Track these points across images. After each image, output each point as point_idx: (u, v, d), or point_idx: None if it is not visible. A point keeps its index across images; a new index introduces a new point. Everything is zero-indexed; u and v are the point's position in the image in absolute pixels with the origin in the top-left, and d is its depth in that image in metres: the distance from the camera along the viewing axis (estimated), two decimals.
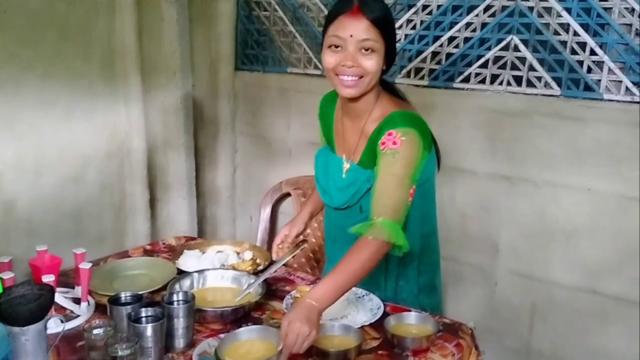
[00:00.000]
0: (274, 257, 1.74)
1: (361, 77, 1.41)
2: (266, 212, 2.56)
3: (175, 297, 1.40)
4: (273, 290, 1.67)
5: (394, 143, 1.40)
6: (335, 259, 1.71)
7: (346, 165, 1.58)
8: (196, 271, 1.65)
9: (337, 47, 1.40)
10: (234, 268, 1.75)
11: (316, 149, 2.45)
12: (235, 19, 2.66)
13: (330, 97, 1.71)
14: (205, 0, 2.57)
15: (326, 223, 1.80)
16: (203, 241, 2.03)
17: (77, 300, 1.46)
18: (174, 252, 1.89)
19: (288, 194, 2.56)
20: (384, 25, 1.40)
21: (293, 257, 1.68)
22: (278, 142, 2.65)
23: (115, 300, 1.35)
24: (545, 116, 1.97)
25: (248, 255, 1.90)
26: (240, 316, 1.46)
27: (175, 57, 2.39)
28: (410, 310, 1.50)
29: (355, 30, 1.38)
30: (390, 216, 1.36)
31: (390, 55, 1.45)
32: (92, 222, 2.25)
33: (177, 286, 1.54)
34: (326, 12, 2.39)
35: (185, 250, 1.88)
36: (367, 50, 1.39)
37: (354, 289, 1.55)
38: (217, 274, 1.66)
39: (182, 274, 1.67)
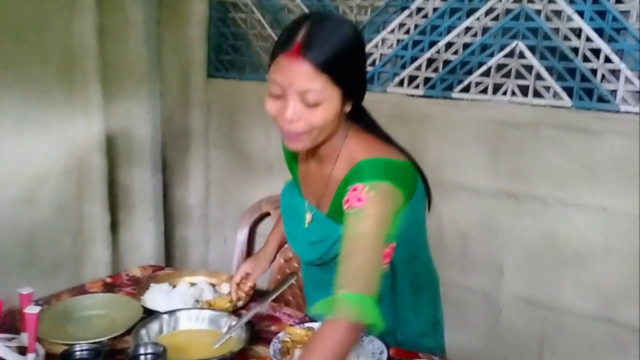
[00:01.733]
0: (234, 297, 1.52)
1: (306, 131, 1.16)
2: (243, 234, 2.33)
3: (142, 350, 1.18)
4: (257, 331, 1.45)
5: (359, 200, 1.15)
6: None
7: (308, 215, 1.35)
8: (166, 312, 1.42)
9: (276, 95, 1.15)
10: (210, 306, 1.53)
11: None
12: (208, 21, 2.45)
13: None
14: (176, 1, 2.34)
15: (302, 267, 1.56)
16: (173, 271, 1.81)
17: (23, 350, 1.23)
18: (139, 286, 1.67)
19: (268, 214, 2.34)
20: (336, 66, 1.11)
21: (280, 293, 1.47)
22: (257, 155, 2.44)
23: (68, 356, 1.13)
24: (555, 129, 1.81)
25: (226, 288, 1.69)
26: None
27: (141, 62, 2.17)
28: (417, 356, 1.30)
29: (294, 77, 1.10)
30: (357, 288, 1.09)
31: (355, 91, 1.20)
32: (47, 249, 2.00)
33: (143, 332, 1.33)
34: None
35: (152, 284, 1.65)
36: (310, 104, 1.12)
37: None
38: (191, 314, 1.44)
39: (149, 314, 1.45)
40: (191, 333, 1.39)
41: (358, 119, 1.29)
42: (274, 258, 1.59)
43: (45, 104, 1.91)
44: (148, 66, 2.18)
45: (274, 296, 1.46)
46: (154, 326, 1.37)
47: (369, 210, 1.15)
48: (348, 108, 1.20)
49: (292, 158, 1.44)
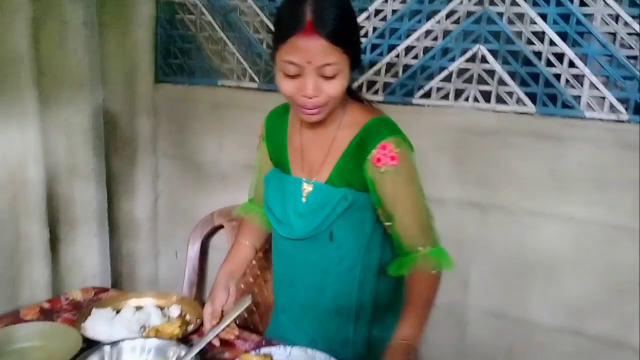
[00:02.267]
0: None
1: (325, 103, 1.24)
2: (195, 249, 2.21)
3: None
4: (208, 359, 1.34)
5: (392, 159, 1.28)
6: (293, 304, 1.49)
7: (307, 188, 1.38)
8: (108, 343, 1.29)
9: (292, 75, 1.20)
10: (157, 332, 1.41)
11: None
12: (154, 23, 2.31)
13: (278, 112, 1.51)
14: (120, 2, 2.19)
15: (277, 263, 1.53)
16: (117, 294, 1.68)
17: None
18: (80, 312, 1.54)
19: (221, 226, 2.22)
20: (346, 36, 1.19)
21: (236, 320, 1.36)
22: (209, 165, 2.31)
23: None
24: (520, 136, 1.75)
25: (175, 311, 1.57)
26: None
27: (82, 66, 2.00)
28: None
29: (312, 54, 1.16)
30: (431, 242, 1.34)
31: (357, 61, 1.26)
32: None
33: None
34: (262, 16, 2.10)
35: (94, 309, 1.52)
36: (329, 77, 1.20)
37: (311, 353, 1.33)
38: (136, 344, 1.32)
39: (90, 344, 1.32)
40: None
41: (349, 91, 1.37)
42: (231, 285, 1.49)
43: None
44: (89, 71, 2.01)
45: (228, 322, 1.35)
46: (94, 359, 1.24)
47: (405, 167, 1.29)
48: (350, 73, 1.26)
49: (278, 142, 1.46)
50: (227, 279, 1.49)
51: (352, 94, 1.41)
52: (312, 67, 1.18)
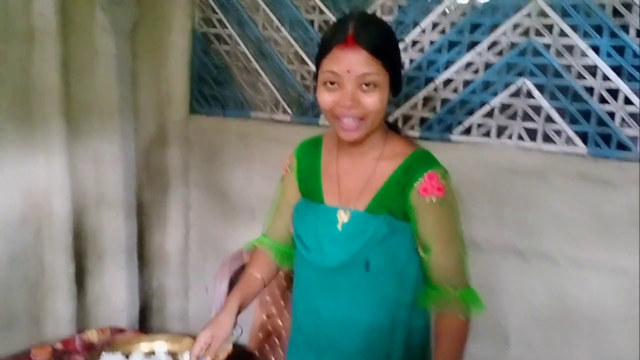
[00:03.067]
0: None
1: (363, 118, 1.24)
2: (222, 288, 2.11)
3: None
4: None
5: (439, 189, 1.26)
6: (319, 335, 1.44)
7: (343, 217, 1.34)
8: None
9: (332, 84, 1.23)
10: None
11: None
12: (190, 53, 2.26)
13: (310, 142, 1.49)
14: (154, 31, 2.17)
15: (301, 293, 1.46)
16: (131, 337, 1.61)
17: None
18: (91, 354, 1.46)
19: None
20: (386, 53, 1.22)
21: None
22: (239, 198, 2.23)
23: None
24: (567, 178, 1.59)
25: (187, 357, 1.47)
26: None
27: (112, 97, 1.98)
28: None
29: (352, 64, 1.20)
30: (463, 282, 1.31)
31: (396, 84, 1.27)
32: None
33: None
34: (296, 46, 2.03)
35: (104, 353, 1.44)
36: (367, 85, 1.21)
37: None
38: None
39: None
40: None
41: (389, 124, 1.40)
42: (235, 322, 1.43)
43: None
44: (120, 101, 1.99)
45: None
46: None
47: (449, 200, 1.28)
48: (391, 97, 1.27)
49: (311, 171, 1.44)
50: (236, 308, 1.43)
51: (392, 128, 1.40)
52: (351, 77, 1.20)
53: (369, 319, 1.34)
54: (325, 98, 1.25)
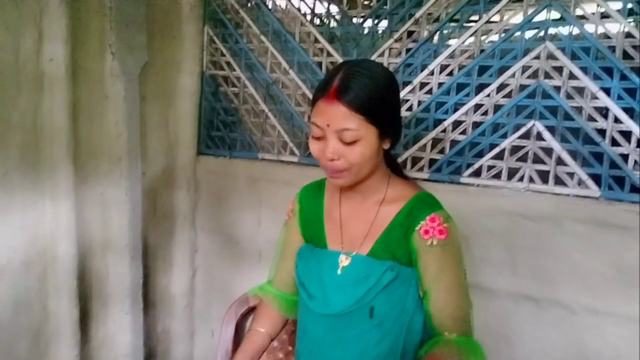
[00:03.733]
0: None
1: (347, 169, 1.24)
2: (228, 332, 2.05)
3: None
4: None
5: (441, 232, 1.24)
6: None
7: (344, 261, 1.33)
8: None
9: (318, 135, 1.25)
10: None
11: None
12: (198, 95, 2.27)
13: (313, 186, 1.51)
14: (163, 74, 2.18)
15: (305, 344, 1.42)
16: None
17: None
18: None
19: (256, 307, 2.09)
20: (369, 107, 1.20)
21: None
22: (246, 241, 2.21)
23: None
24: (581, 223, 1.55)
25: None
26: None
27: (121, 140, 1.97)
28: None
29: (331, 118, 1.21)
30: (463, 330, 1.25)
31: (391, 131, 1.27)
32: (1, 351, 1.75)
33: None
34: (304, 89, 2.02)
35: None
36: (348, 142, 1.21)
37: None
38: None
39: None
40: None
41: (393, 167, 1.40)
42: None
43: (4, 188, 1.70)
44: (128, 144, 1.98)
45: None
46: None
47: (452, 244, 1.25)
48: (386, 145, 1.28)
49: (313, 216, 1.43)
50: None
51: (395, 170, 1.40)
52: (331, 130, 1.21)
53: None
54: (312, 147, 1.27)
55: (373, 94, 1.21)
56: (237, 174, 2.18)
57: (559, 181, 1.61)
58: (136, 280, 2.09)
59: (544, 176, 1.63)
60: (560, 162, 1.60)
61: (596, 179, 1.55)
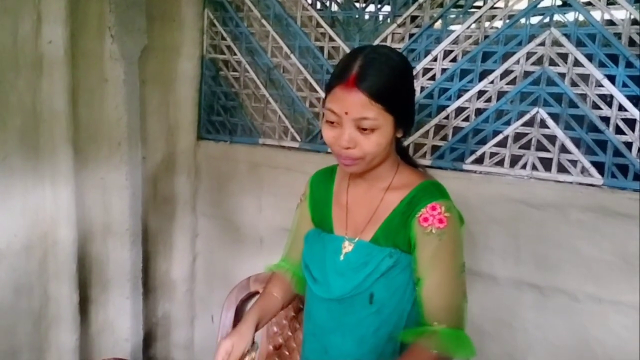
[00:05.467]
0: None
1: (361, 157, 1.23)
2: (229, 317, 2.06)
3: None
4: None
5: (440, 221, 1.22)
6: None
7: (347, 246, 1.33)
8: None
9: (332, 122, 1.22)
10: None
11: None
12: (199, 80, 2.25)
13: (325, 172, 1.50)
14: (163, 58, 2.15)
15: (310, 328, 1.44)
16: None
17: None
18: None
19: (257, 293, 2.09)
20: (389, 96, 1.18)
21: None
22: (247, 227, 2.20)
23: None
24: (585, 211, 1.55)
25: None
26: None
27: (120, 124, 1.96)
28: None
29: (350, 106, 1.18)
30: (453, 322, 1.23)
31: (406, 118, 1.25)
32: (2, 335, 1.75)
33: None
34: (306, 74, 2.01)
35: None
36: (365, 129, 1.19)
37: None
38: None
39: None
40: None
41: (403, 155, 1.37)
42: (253, 338, 1.42)
43: (4, 172, 1.69)
44: (128, 129, 1.96)
45: None
46: None
47: (451, 234, 1.22)
48: (399, 134, 1.26)
49: (322, 201, 1.43)
50: (255, 322, 1.43)
51: (405, 158, 1.39)
52: (349, 119, 1.19)
53: (374, 358, 1.30)
54: (327, 134, 1.25)
55: (391, 82, 1.19)
56: (238, 159, 2.17)
57: (562, 169, 1.60)
58: (136, 265, 2.08)
59: (546, 164, 1.63)
60: (563, 149, 1.60)
61: (599, 167, 1.55)
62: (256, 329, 1.46)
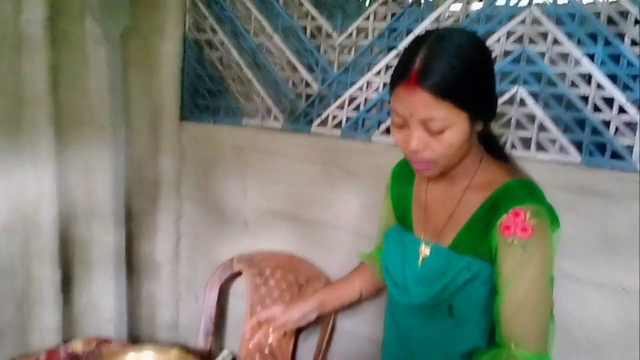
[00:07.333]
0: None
1: (434, 160, 1.12)
2: (212, 297, 2.09)
3: None
4: None
5: (524, 230, 1.08)
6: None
7: (424, 251, 1.24)
8: None
9: (400, 124, 1.11)
10: None
11: (276, 220, 2.03)
12: (181, 60, 2.24)
13: (406, 162, 1.29)
14: (145, 39, 2.14)
15: (393, 336, 1.41)
16: (118, 348, 1.57)
17: None
18: None
19: (240, 273, 2.11)
20: (458, 91, 1.04)
21: None
22: (232, 209, 2.20)
23: None
24: (563, 190, 1.55)
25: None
26: None
27: (103, 107, 1.95)
28: None
29: (414, 107, 1.06)
30: (535, 346, 1.09)
31: (485, 109, 1.13)
32: None
33: None
34: (289, 53, 2.00)
35: None
36: (435, 132, 1.07)
37: None
38: None
39: None
40: None
41: (489, 146, 1.24)
42: (308, 315, 1.45)
43: None
44: (111, 112, 1.95)
45: None
46: None
47: (537, 245, 1.09)
48: (479, 127, 1.14)
49: (403, 195, 1.35)
50: (315, 302, 1.43)
51: (493, 150, 1.26)
52: (415, 120, 1.07)
53: None
54: (396, 137, 1.14)
55: (462, 75, 1.04)
56: (222, 141, 2.17)
57: (540, 147, 1.61)
58: (119, 245, 2.08)
59: (526, 142, 1.63)
60: (542, 128, 1.60)
61: (578, 145, 1.56)
62: (320, 308, 1.46)
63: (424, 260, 1.23)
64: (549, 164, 1.59)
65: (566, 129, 1.57)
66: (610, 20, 1.49)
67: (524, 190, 1.15)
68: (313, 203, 1.97)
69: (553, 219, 1.15)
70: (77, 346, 1.58)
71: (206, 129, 2.21)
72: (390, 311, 1.39)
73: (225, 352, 1.34)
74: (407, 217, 1.32)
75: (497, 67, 1.64)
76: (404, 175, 1.37)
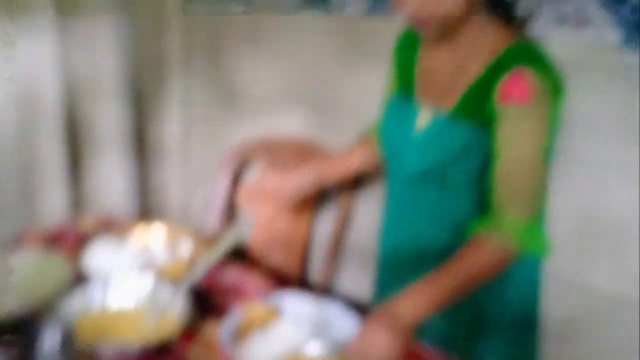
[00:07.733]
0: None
1: (426, 19, 1.09)
2: (224, 182, 2.04)
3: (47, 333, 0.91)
4: (209, 303, 1.20)
5: (522, 93, 1.04)
6: (397, 257, 1.35)
7: (425, 116, 1.20)
8: (97, 282, 1.16)
9: None
10: (160, 273, 1.26)
11: (292, 104, 1.94)
12: None
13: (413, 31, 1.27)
14: None
15: (386, 208, 1.38)
16: (127, 225, 1.54)
17: None
18: (83, 242, 1.40)
19: (252, 159, 2.05)
20: None
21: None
22: (245, 90, 2.11)
23: None
24: (593, 70, 1.42)
25: (186, 248, 1.41)
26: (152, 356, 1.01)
27: None
28: None
29: None
30: (524, 211, 1.07)
31: None
32: None
33: (63, 308, 1.06)
34: None
35: (97, 241, 1.37)
36: None
37: (327, 305, 1.18)
38: (130, 285, 1.17)
39: (82, 280, 1.19)
40: (125, 311, 1.15)
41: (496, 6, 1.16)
42: (305, 187, 1.38)
43: None
44: None
45: (219, 253, 1.22)
46: (78, 301, 1.11)
47: (536, 110, 1.06)
48: None
49: (408, 58, 1.30)
50: (309, 178, 1.37)
51: (499, 10, 1.18)
52: None
53: (451, 241, 1.19)
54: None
55: None
56: (232, 18, 2.04)
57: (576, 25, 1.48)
58: (129, 126, 2.03)
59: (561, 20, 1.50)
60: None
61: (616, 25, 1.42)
62: (316, 183, 1.40)
63: (422, 128, 1.20)
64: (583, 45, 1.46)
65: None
66: None
67: (527, 53, 1.11)
68: (330, 85, 1.87)
69: (557, 87, 1.10)
70: (86, 223, 1.55)
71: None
72: (389, 186, 1.36)
73: (245, 223, 1.30)
74: (409, 83, 1.28)
75: None
76: (409, 42, 1.31)
